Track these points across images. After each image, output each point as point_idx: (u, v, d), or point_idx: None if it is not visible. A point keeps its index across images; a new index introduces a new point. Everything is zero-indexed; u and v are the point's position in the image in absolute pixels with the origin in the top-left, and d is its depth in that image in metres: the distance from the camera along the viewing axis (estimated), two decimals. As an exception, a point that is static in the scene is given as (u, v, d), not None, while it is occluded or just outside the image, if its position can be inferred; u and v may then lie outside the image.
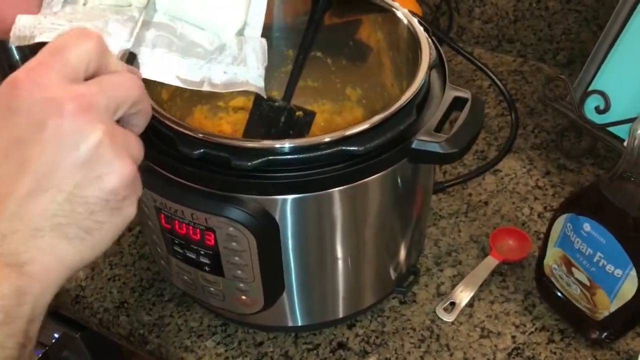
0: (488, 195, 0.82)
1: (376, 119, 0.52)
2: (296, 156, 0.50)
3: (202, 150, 0.50)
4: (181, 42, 0.50)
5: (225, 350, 0.67)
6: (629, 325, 0.65)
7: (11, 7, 0.47)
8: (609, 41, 0.78)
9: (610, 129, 0.77)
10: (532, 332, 0.67)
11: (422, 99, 0.56)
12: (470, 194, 0.83)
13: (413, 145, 0.53)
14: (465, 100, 0.56)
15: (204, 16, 0.51)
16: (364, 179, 0.53)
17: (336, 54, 0.73)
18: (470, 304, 0.70)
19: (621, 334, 0.65)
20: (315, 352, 0.66)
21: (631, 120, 0.73)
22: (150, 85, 0.57)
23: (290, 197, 0.52)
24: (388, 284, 0.68)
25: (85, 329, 0.82)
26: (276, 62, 0.71)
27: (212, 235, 0.53)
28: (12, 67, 0.84)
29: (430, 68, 0.57)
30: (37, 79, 0.35)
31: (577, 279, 0.63)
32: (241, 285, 0.57)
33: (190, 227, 0.54)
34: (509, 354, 0.66)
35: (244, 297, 0.58)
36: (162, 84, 0.55)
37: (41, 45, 0.38)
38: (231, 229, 0.52)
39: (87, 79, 0.37)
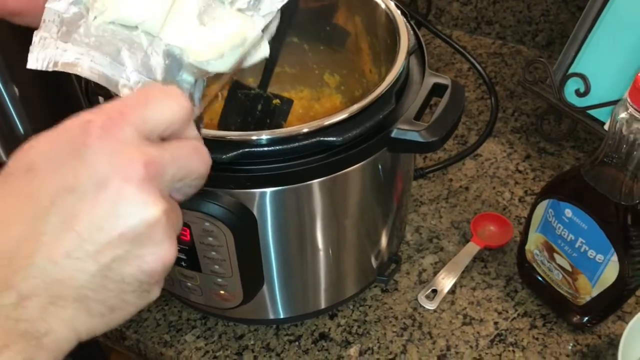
0: (469, 181, 0.82)
1: (355, 107, 0.50)
2: (273, 148, 0.49)
3: (175, 143, 0.48)
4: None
5: (206, 344, 0.66)
6: (610, 309, 0.65)
7: None
8: (588, 23, 0.78)
9: (591, 112, 0.76)
10: (514, 318, 0.67)
11: (401, 86, 0.55)
12: (450, 179, 0.82)
13: (392, 135, 0.52)
14: (445, 87, 0.55)
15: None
16: (343, 169, 0.52)
17: (313, 40, 0.71)
18: (452, 291, 0.70)
19: (603, 318, 0.65)
20: (297, 343, 0.66)
21: (611, 104, 0.73)
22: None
23: (268, 190, 0.51)
24: (370, 273, 0.67)
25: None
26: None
27: (187, 231, 0.52)
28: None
29: (409, 54, 0.56)
30: (112, 129, 0.30)
31: (558, 265, 0.63)
32: (219, 280, 0.56)
33: (165, 222, 0.52)
34: (492, 341, 0.65)
35: (222, 292, 0.57)
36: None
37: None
38: (207, 224, 0.51)
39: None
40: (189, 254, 0.54)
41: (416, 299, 0.69)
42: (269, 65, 0.62)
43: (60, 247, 0.29)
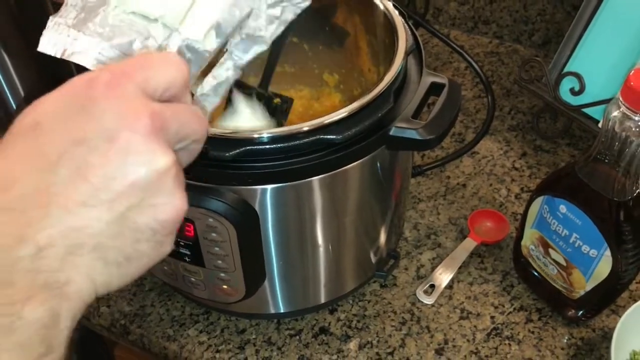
0: (466, 178, 0.83)
1: (354, 106, 0.52)
2: (275, 146, 0.50)
3: (179, 142, 0.49)
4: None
5: (208, 338, 0.67)
6: (604, 303, 0.66)
7: None
8: (583, 23, 0.79)
9: (585, 110, 0.78)
10: (510, 312, 0.69)
11: (399, 85, 0.56)
12: (448, 177, 0.83)
13: (391, 132, 0.53)
14: (442, 86, 0.57)
15: None
16: (342, 167, 0.53)
17: (313, 39, 0.72)
18: (449, 286, 0.71)
19: (597, 312, 0.67)
20: (297, 337, 0.67)
21: (605, 102, 0.74)
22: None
23: (269, 186, 0.52)
24: (369, 268, 0.68)
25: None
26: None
27: (192, 227, 0.53)
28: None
29: (407, 54, 0.57)
30: (117, 85, 0.32)
31: (553, 260, 0.65)
32: (222, 275, 0.57)
33: (170, 218, 0.54)
34: (488, 334, 0.67)
35: (225, 287, 0.58)
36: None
37: None
38: (210, 220, 0.52)
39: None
40: (192, 249, 0.56)
41: (414, 294, 0.70)
42: (269, 65, 0.63)
43: (75, 197, 0.30)
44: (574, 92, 0.78)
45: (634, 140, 0.53)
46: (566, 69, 0.80)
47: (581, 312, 0.66)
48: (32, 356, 0.29)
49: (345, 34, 0.71)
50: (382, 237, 0.67)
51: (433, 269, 0.73)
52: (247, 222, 0.53)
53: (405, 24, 0.60)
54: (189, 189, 0.50)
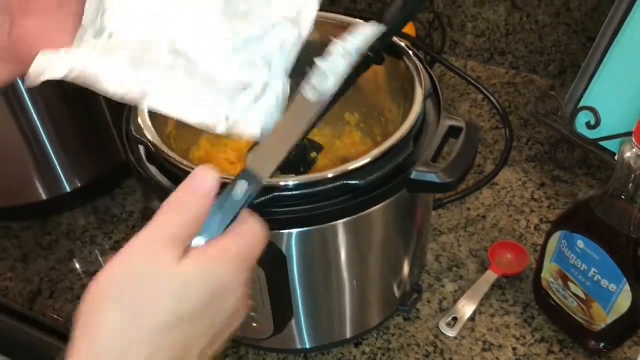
0: (486, 210, 0.85)
1: (376, 152, 0.54)
2: (301, 192, 0.52)
3: (210, 189, 0.52)
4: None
5: (238, 373, 0.69)
6: (625, 335, 0.67)
7: (42, 41, 0.41)
8: (598, 57, 0.81)
9: (602, 143, 0.79)
10: (532, 344, 0.70)
11: (419, 130, 0.58)
12: (468, 209, 0.85)
13: (412, 176, 0.55)
14: (460, 129, 0.59)
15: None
16: (366, 210, 0.55)
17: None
18: (472, 318, 0.73)
19: (618, 344, 0.68)
20: (324, 371, 0.69)
21: (621, 136, 0.76)
22: (157, 117, 0.59)
23: (295, 231, 0.54)
24: (393, 303, 0.70)
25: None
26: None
27: (223, 270, 0.56)
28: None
29: (425, 98, 0.59)
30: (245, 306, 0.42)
31: (573, 293, 0.66)
32: (252, 314, 0.59)
33: (202, 262, 0.56)
34: (511, 367, 0.68)
35: (254, 325, 0.61)
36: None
37: None
38: (241, 263, 0.54)
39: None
40: (223, 291, 0.58)
41: (437, 327, 0.72)
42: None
43: None
44: (589, 126, 0.80)
45: (649, 179, 0.54)
46: (582, 103, 0.82)
47: (603, 344, 0.67)
48: None
49: (366, 76, 0.73)
50: (406, 271, 0.68)
51: (455, 301, 0.74)
52: (275, 265, 0.55)
53: (423, 69, 0.63)
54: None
